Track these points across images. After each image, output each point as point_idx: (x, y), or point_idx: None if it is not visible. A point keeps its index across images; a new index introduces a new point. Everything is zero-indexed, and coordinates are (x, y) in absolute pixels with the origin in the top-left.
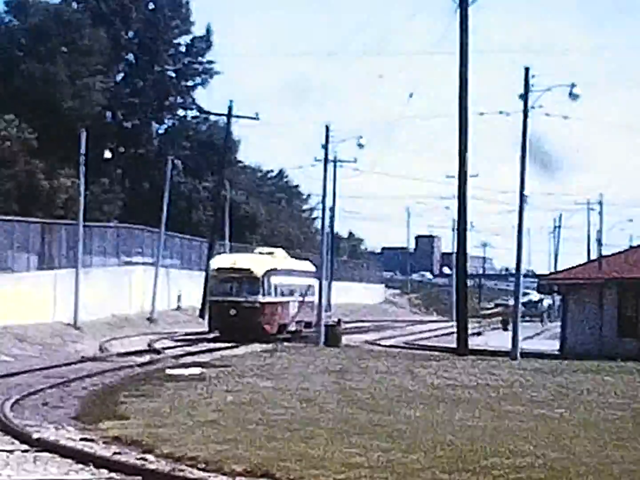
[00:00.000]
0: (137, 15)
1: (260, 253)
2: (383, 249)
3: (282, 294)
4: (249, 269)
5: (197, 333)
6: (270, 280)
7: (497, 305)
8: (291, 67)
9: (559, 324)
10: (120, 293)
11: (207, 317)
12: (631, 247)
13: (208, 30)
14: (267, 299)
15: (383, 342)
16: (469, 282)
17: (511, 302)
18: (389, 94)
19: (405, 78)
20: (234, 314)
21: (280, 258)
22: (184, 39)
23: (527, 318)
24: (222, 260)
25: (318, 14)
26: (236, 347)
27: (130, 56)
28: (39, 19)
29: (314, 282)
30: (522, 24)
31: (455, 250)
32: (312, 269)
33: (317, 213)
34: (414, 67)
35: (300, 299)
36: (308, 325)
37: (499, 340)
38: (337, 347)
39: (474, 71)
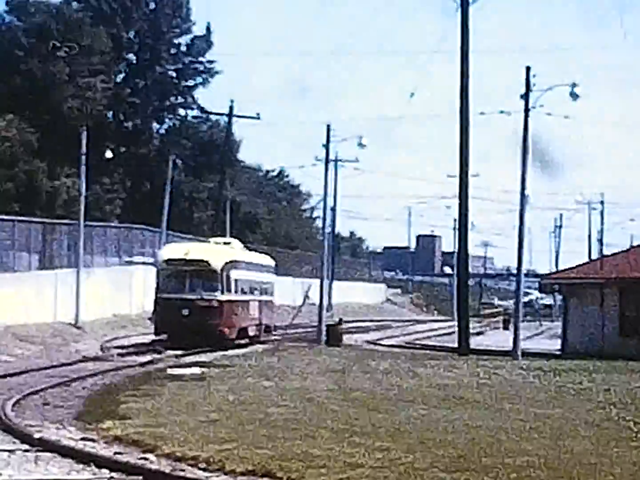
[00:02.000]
0: (137, 15)
1: (217, 243)
2: (384, 248)
3: (243, 292)
4: (205, 261)
5: None
6: (230, 274)
7: (484, 305)
8: (292, 66)
9: (559, 323)
10: (121, 293)
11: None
12: (632, 247)
13: (208, 30)
14: (227, 297)
15: (384, 342)
16: (470, 282)
17: (496, 301)
18: (390, 94)
19: (406, 78)
20: (187, 314)
21: (238, 249)
22: (185, 39)
23: (529, 318)
24: (173, 251)
25: (319, 13)
26: (236, 347)
27: (131, 56)
28: (40, 18)
29: (274, 279)
30: (523, 23)
31: (456, 249)
32: (272, 263)
33: (318, 213)
34: (415, 67)
35: (261, 298)
36: (268, 329)
37: (500, 339)
38: (338, 346)
39: (474, 71)
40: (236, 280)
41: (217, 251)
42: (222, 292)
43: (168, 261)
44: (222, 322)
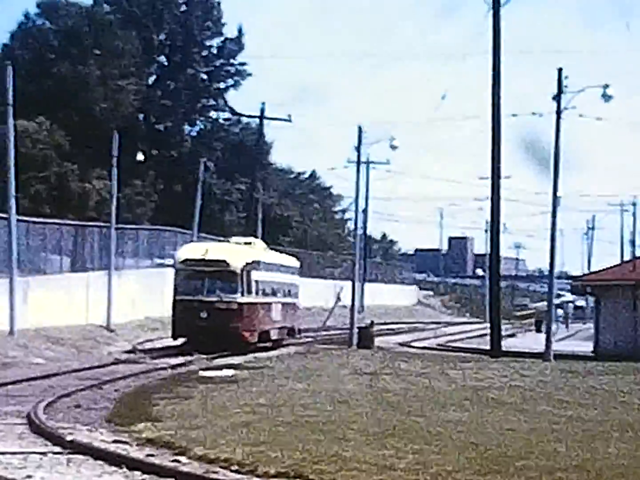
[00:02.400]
0: (168, 17)
1: (237, 243)
2: (416, 250)
3: (264, 294)
4: (224, 261)
5: None
6: (250, 275)
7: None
8: (324, 68)
9: (591, 325)
10: (152, 295)
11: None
12: None
13: (240, 32)
14: (247, 299)
15: (416, 344)
16: (502, 284)
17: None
18: (421, 96)
19: (438, 79)
20: (205, 317)
21: (260, 249)
22: (216, 41)
23: (561, 320)
24: (191, 251)
25: (349, 16)
26: (273, 349)
27: (162, 58)
28: (71, 20)
29: (298, 281)
30: (555, 25)
31: (488, 251)
32: (296, 264)
33: (349, 215)
34: (447, 69)
35: (284, 300)
36: (291, 332)
37: (533, 341)
38: (370, 349)
39: (506, 72)
40: (257, 282)
41: (237, 251)
42: (242, 294)
43: (186, 261)
44: (242, 326)
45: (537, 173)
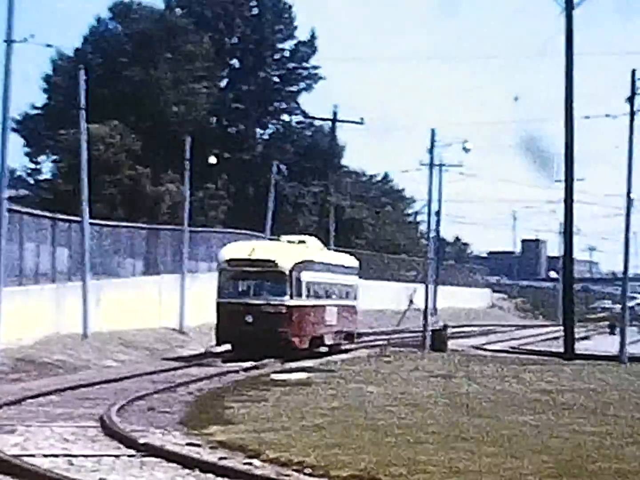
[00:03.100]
0: (240, 20)
1: (289, 242)
2: (489, 253)
3: (317, 296)
4: (272, 261)
5: None
6: (300, 276)
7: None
8: (395, 70)
9: None
10: None
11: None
12: None
13: (313, 35)
14: (297, 302)
15: (489, 347)
16: (576, 287)
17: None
18: (494, 98)
19: (510, 81)
20: (251, 321)
21: (314, 249)
22: (288, 44)
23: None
24: (236, 249)
25: (420, 18)
26: (342, 352)
27: (234, 61)
28: (143, 24)
29: (356, 282)
30: (627, 25)
31: (561, 254)
32: (355, 264)
33: (422, 217)
34: (519, 71)
35: (340, 302)
36: (349, 336)
37: (607, 344)
38: (443, 351)
39: (579, 73)
40: (309, 283)
41: (286, 250)
42: (291, 296)
43: (230, 261)
44: (291, 330)
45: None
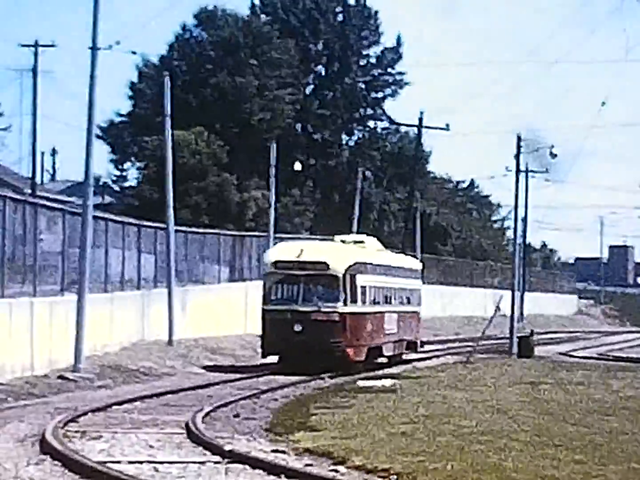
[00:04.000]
0: (325, 27)
1: (343, 241)
2: (576, 259)
3: (375, 302)
4: (323, 263)
5: None
6: (356, 280)
7: None
8: (479, 76)
9: None
10: None
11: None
12: None
13: (398, 41)
14: (352, 309)
15: (576, 354)
16: None
17: None
18: (581, 103)
19: (598, 85)
20: (300, 330)
21: (371, 250)
22: (374, 50)
23: None
24: (283, 251)
25: (506, 23)
26: (428, 358)
27: (320, 68)
28: (228, 31)
29: (419, 286)
30: None
31: None
32: (418, 266)
33: (508, 223)
34: (608, 74)
35: (401, 308)
36: (411, 346)
37: None
38: (530, 358)
39: None
40: (364, 288)
41: (339, 251)
42: (345, 303)
43: (277, 264)
44: (346, 341)
45: None
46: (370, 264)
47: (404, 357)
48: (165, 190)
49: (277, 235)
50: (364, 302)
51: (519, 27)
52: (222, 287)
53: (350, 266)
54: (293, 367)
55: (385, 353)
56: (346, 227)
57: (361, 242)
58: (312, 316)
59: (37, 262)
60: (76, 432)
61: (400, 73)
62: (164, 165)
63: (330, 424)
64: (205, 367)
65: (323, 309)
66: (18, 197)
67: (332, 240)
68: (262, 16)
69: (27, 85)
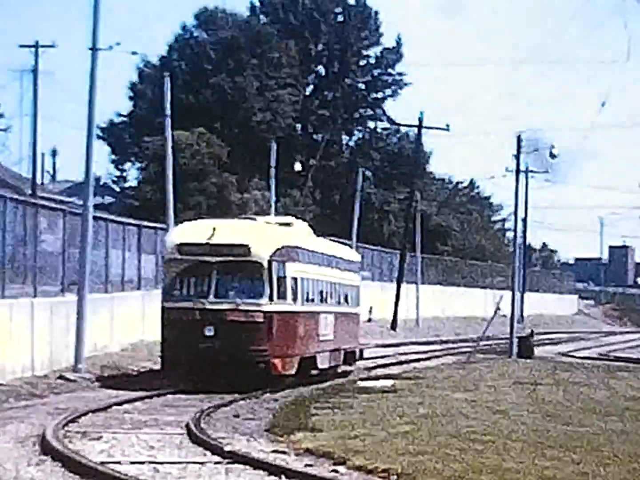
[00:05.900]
0: (326, 27)
1: (267, 223)
2: (576, 260)
3: (308, 299)
4: (244, 246)
5: (388, 345)
6: (285, 270)
7: None
8: (480, 76)
9: None
10: None
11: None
12: None
13: (398, 42)
14: (280, 307)
15: (577, 354)
16: None
17: None
18: (581, 103)
19: (597, 86)
20: (211, 335)
21: (302, 233)
22: (374, 51)
23: None
24: (189, 232)
25: (506, 23)
26: (428, 359)
27: (320, 68)
28: (228, 32)
29: (359, 282)
30: None
31: None
32: (357, 258)
33: (509, 224)
34: (606, 75)
35: (339, 309)
36: (349, 356)
37: None
38: (530, 358)
39: None
40: (295, 280)
41: (263, 232)
42: (272, 299)
43: (182, 247)
44: (271, 349)
45: None
46: (304, 249)
47: (340, 369)
48: (166, 191)
49: None
50: (295, 298)
51: (519, 27)
52: None
53: (277, 250)
54: (200, 383)
55: (320, 365)
56: (346, 227)
57: (288, 224)
58: (228, 316)
59: (37, 262)
60: (76, 432)
61: (400, 73)
62: (164, 165)
63: (330, 424)
64: None
65: (242, 307)
66: (18, 197)
67: (254, 220)
68: (262, 17)
69: (28, 85)
